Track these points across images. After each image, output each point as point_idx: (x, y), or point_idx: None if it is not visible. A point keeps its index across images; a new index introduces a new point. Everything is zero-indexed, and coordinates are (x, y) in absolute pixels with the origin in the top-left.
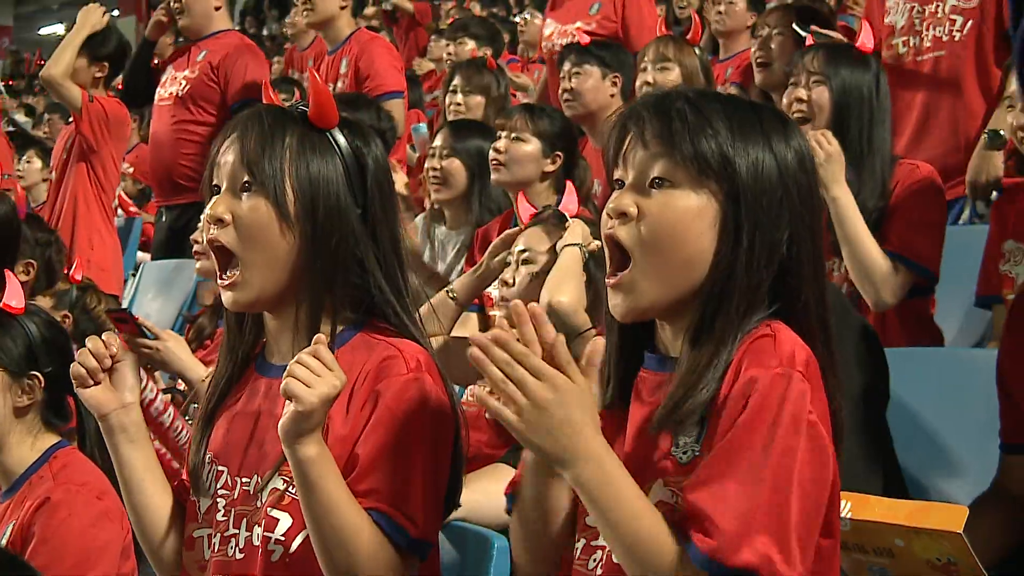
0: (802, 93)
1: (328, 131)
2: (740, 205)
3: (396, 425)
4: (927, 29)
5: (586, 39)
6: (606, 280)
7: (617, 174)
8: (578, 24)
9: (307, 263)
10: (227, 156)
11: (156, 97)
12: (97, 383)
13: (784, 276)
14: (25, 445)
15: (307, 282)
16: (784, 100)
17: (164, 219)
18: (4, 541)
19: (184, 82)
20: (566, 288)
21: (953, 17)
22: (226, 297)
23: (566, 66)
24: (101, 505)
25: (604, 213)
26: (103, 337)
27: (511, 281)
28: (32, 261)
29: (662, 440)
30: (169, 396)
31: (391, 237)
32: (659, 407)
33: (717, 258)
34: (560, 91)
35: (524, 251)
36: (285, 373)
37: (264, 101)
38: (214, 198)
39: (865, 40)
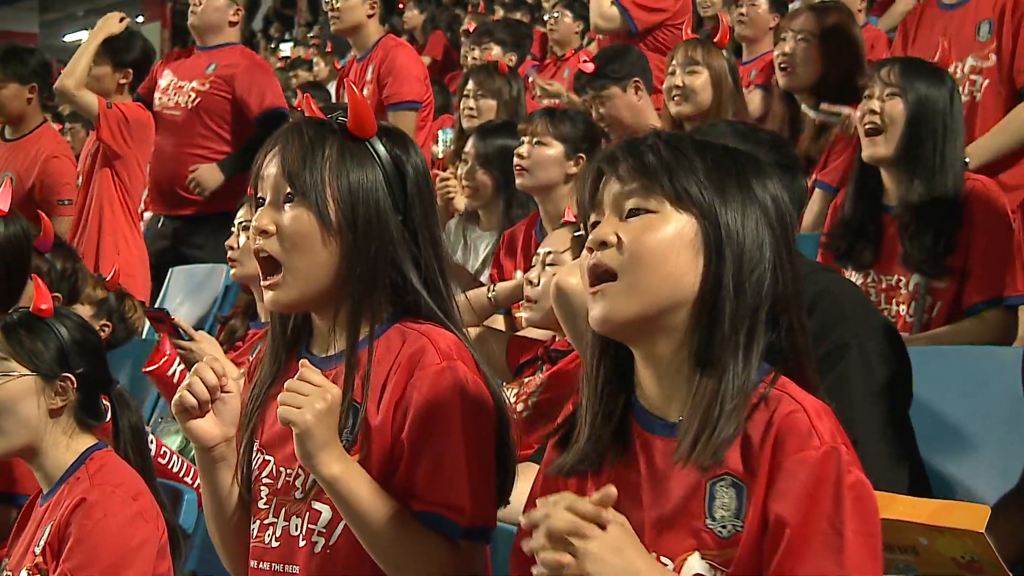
0: (876, 105)
1: (367, 140)
2: (720, 229)
3: (432, 417)
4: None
5: (590, 67)
6: (589, 292)
7: (594, 218)
8: None
9: (348, 269)
10: (270, 169)
11: (157, 103)
12: (204, 414)
13: (775, 305)
14: (61, 447)
15: (348, 287)
16: (857, 112)
17: (162, 227)
18: (43, 542)
19: (193, 94)
20: (577, 272)
21: (973, 77)
22: (268, 297)
23: (588, 96)
24: (136, 506)
25: (585, 248)
26: (213, 366)
27: (535, 280)
28: (58, 295)
29: (692, 506)
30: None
31: (431, 241)
32: (680, 443)
33: (705, 278)
34: (596, 120)
35: (549, 252)
36: (279, 402)
37: (306, 113)
38: (259, 210)
39: (941, 57)
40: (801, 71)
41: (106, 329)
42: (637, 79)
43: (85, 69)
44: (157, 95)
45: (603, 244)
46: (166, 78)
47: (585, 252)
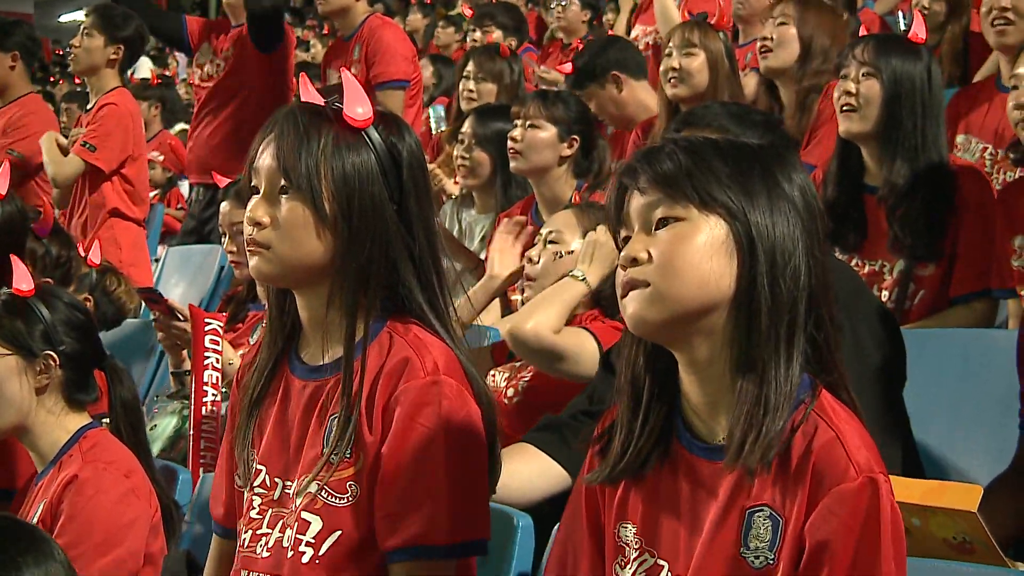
0: (851, 86)
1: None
2: (751, 228)
3: (413, 435)
4: (997, 173)
5: (568, 68)
6: (619, 300)
7: (623, 233)
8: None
9: (343, 263)
10: (264, 159)
11: (197, 79)
12: None
13: (810, 299)
14: (51, 424)
15: (341, 281)
16: (835, 92)
17: (198, 209)
18: (36, 519)
19: (222, 63)
20: (537, 313)
21: None
22: (252, 263)
23: (577, 95)
24: (128, 483)
25: (618, 267)
26: None
27: (536, 259)
28: (50, 280)
29: (727, 532)
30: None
31: (426, 231)
32: (730, 447)
33: (739, 278)
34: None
35: (552, 232)
36: None
37: (304, 98)
38: (254, 200)
39: (917, 30)
40: (778, 54)
41: (87, 303)
42: (615, 72)
43: (59, 155)
44: (196, 71)
45: (634, 261)
46: (205, 54)
47: (619, 269)
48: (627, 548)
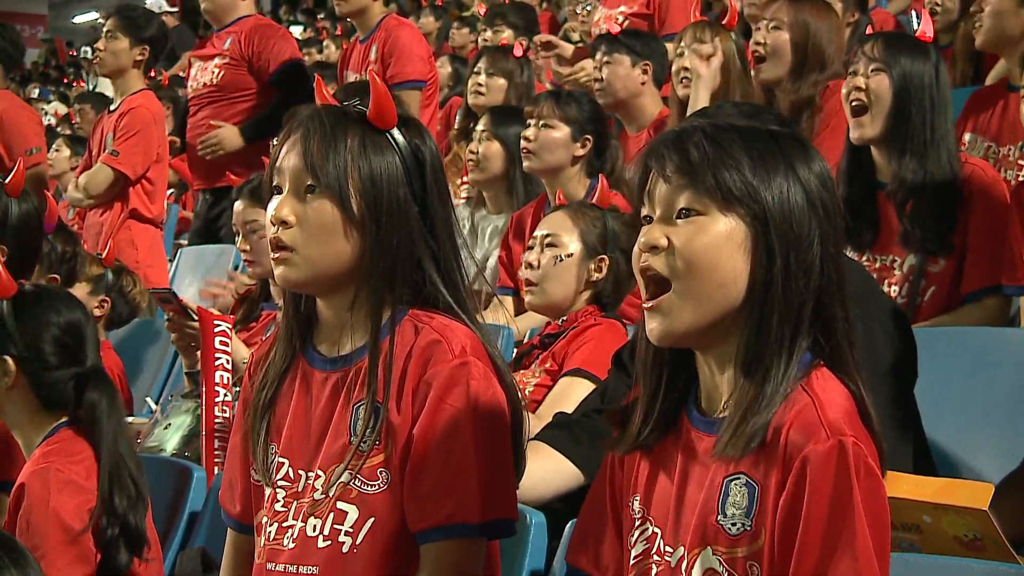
0: (861, 82)
1: (387, 130)
2: (769, 228)
3: (442, 416)
4: (1000, 171)
5: (616, 28)
6: (642, 305)
7: (644, 211)
8: (621, 8)
9: (371, 262)
10: (290, 159)
11: (190, 90)
12: None
13: (821, 298)
14: (25, 424)
15: (367, 280)
16: (843, 89)
17: (199, 206)
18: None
19: (217, 70)
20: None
21: (1021, 163)
22: (278, 272)
23: (597, 56)
24: (69, 478)
25: (636, 248)
26: None
27: (536, 264)
28: (56, 276)
29: (709, 500)
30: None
31: (447, 232)
32: (719, 439)
33: (753, 279)
34: (592, 80)
35: (548, 235)
36: None
37: (318, 100)
38: (278, 199)
39: (925, 29)
40: (772, 65)
41: (105, 304)
42: (648, 63)
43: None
44: (189, 83)
45: (654, 248)
46: (194, 66)
47: (636, 250)
48: (636, 519)
